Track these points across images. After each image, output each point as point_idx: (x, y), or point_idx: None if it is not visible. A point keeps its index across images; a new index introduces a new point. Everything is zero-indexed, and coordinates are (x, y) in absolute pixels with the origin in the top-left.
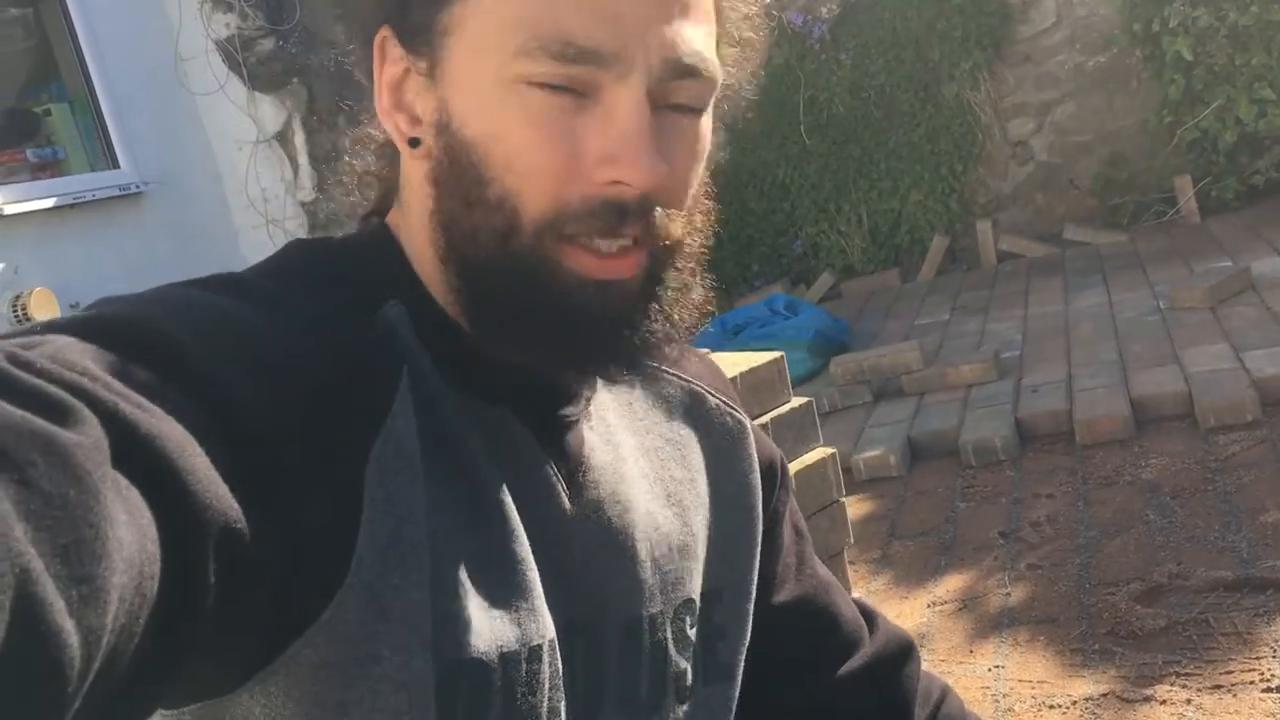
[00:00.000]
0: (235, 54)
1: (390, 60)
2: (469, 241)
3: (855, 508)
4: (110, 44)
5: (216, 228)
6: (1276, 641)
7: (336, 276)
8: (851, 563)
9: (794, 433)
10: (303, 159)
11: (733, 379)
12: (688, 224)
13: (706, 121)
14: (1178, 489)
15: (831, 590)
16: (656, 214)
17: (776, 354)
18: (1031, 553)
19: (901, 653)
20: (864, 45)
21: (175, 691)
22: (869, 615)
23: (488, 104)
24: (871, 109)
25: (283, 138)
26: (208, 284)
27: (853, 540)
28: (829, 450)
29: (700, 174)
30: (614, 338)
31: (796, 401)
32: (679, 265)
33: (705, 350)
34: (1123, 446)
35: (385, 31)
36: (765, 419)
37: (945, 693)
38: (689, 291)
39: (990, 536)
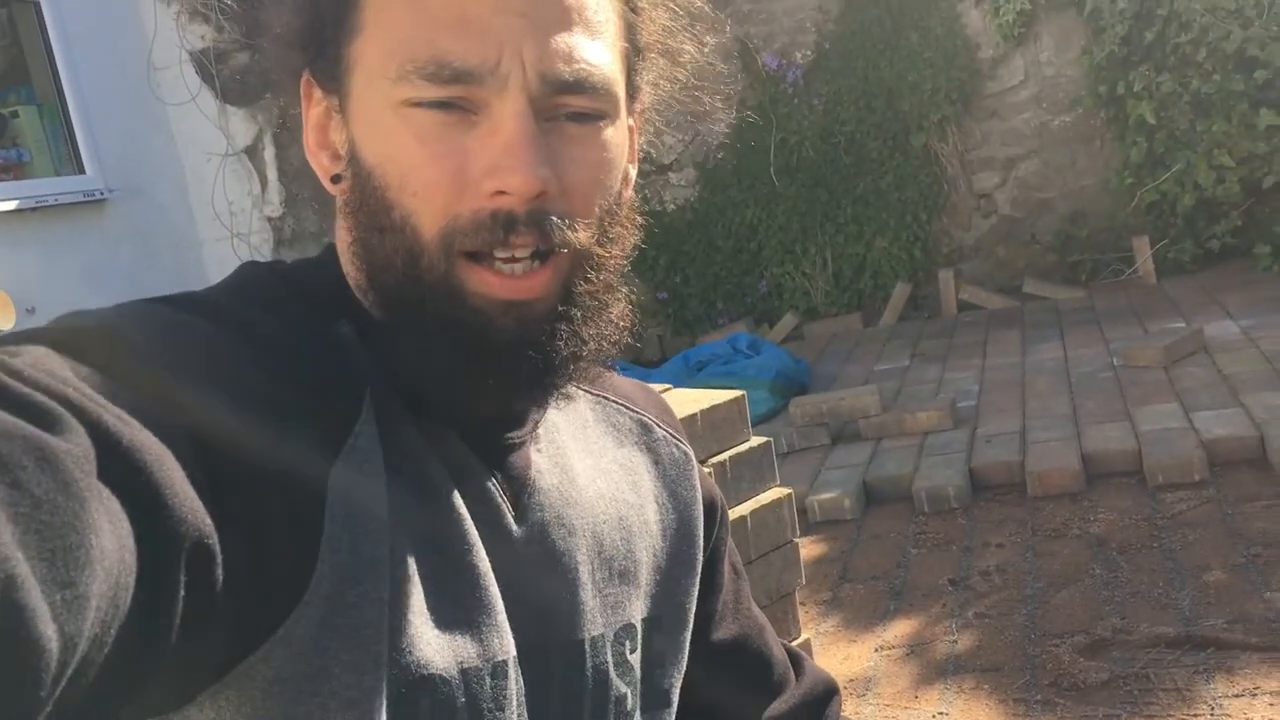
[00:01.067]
0: (209, 66)
1: (314, 101)
2: (383, 269)
3: (808, 549)
4: (83, 49)
5: (181, 239)
6: (1214, 700)
7: (290, 297)
8: (802, 604)
9: (752, 471)
10: (272, 174)
11: (693, 415)
12: (598, 234)
13: (614, 130)
14: (1124, 544)
15: (765, 631)
16: (552, 222)
17: (738, 393)
18: (980, 601)
19: (825, 696)
20: (836, 92)
21: (133, 703)
22: (796, 658)
23: (382, 129)
24: (841, 155)
25: (252, 152)
26: (172, 301)
27: (804, 581)
28: (785, 491)
29: (609, 184)
30: (519, 360)
31: (755, 441)
32: (590, 277)
33: (667, 386)
34: (1072, 500)
35: (307, 74)
36: (724, 457)
37: None
38: (605, 308)
39: (940, 584)
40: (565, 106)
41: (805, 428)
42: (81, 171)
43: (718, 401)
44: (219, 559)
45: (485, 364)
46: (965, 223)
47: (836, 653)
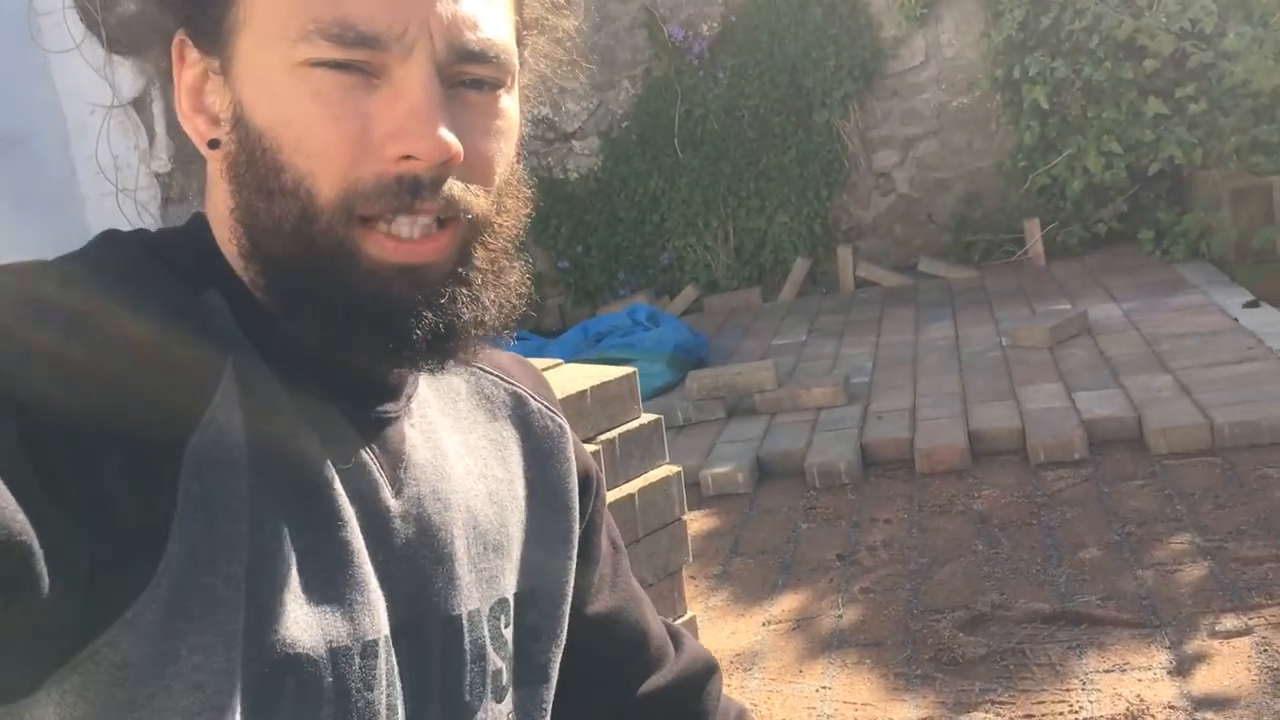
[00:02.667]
0: (94, 12)
1: (188, 63)
2: (270, 234)
3: (700, 523)
4: None
5: (61, 193)
6: (1086, 675)
7: (154, 265)
8: (692, 578)
9: (641, 449)
10: (160, 128)
11: (583, 392)
12: (495, 203)
13: (509, 100)
14: (1006, 521)
15: (643, 605)
16: (455, 188)
17: (629, 370)
18: (866, 576)
19: (704, 673)
20: (741, 65)
21: None
22: (675, 635)
23: (276, 90)
24: (745, 129)
25: (139, 104)
26: (18, 270)
27: (691, 559)
28: (674, 468)
29: (507, 153)
30: (417, 322)
31: (646, 418)
32: (488, 245)
33: (558, 361)
34: (958, 477)
35: (181, 35)
36: (614, 434)
37: (742, 713)
38: (502, 274)
39: (828, 558)
40: (467, 74)
41: (701, 401)
42: None
43: (608, 378)
44: (38, 554)
45: (383, 329)
46: (864, 200)
47: (724, 627)
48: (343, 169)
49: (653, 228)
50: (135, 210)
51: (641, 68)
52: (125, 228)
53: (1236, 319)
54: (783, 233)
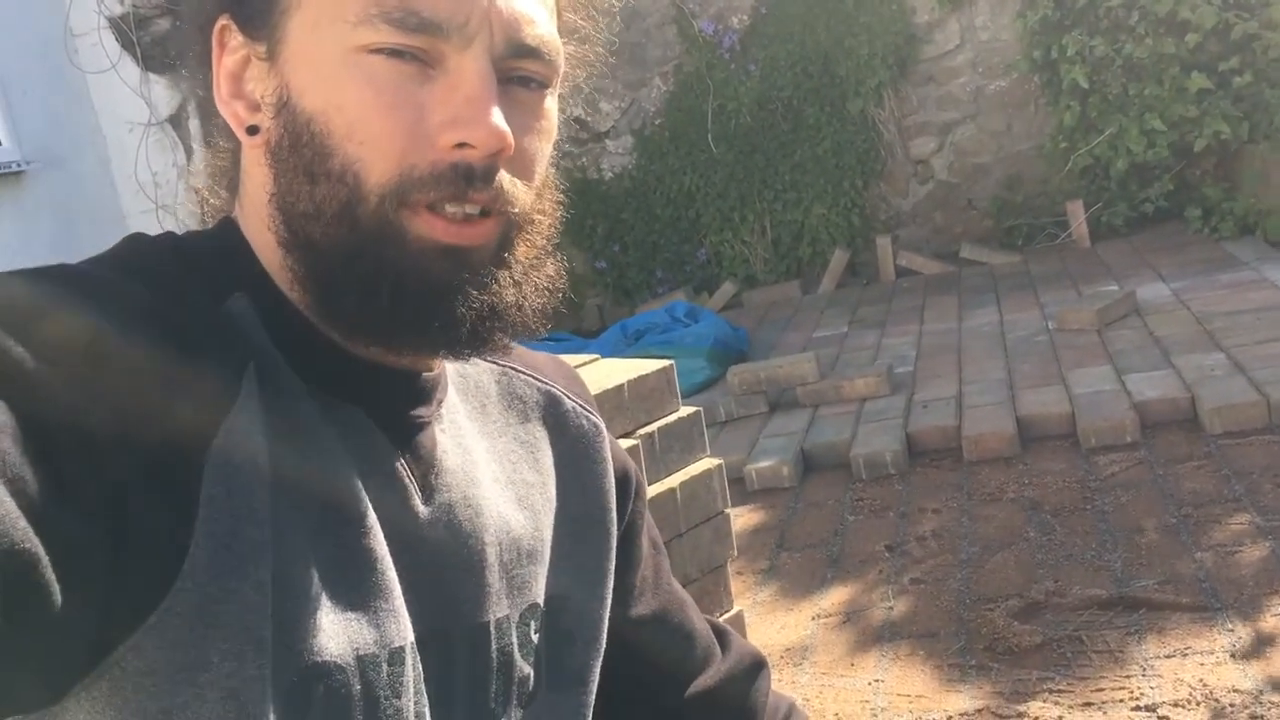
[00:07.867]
0: (129, 32)
1: (229, 49)
2: (311, 219)
3: (746, 518)
4: None
5: (102, 211)
6: (1146, 660)
7: (179, 270)
8: (739, 573)
9: (681, 443)
10: (197, 144)
11: (620, 386)
12: (537, 200)
13: (552, 102)
14: (1058, 507)
15: (686, 606)
16: (504, 180)
17: (666, 363)
18: (916, 567)
19: (752, 669)
20: (773, 57)
21: None
22: (721, 632)
23: (329, 75)
24: (778, 121)
25: (176, 121)
26: (38, 274)
27: (736, 553)
28: (715, 461)
29: (547, 153)
30: (462, 304)
31: (685, 411)
32: (528, 239)
33: (595, 357)
34: (1007, 464)
35: (224, 20)
36: (653, 428)
37: (792, 708)
38: (540, 267)
39: (877, 550)
40: (519, 70)
41: (743, 396)
42: None
43: (645, 372)
44: (44, 562)
45: (427, 310)
46: (902, 189)
47: (774, 621)
48: (396, 156)
49: (688, 224)
50: (176, 226)
51: (672, 64)
52: None
53: None
54: (820, 224)
